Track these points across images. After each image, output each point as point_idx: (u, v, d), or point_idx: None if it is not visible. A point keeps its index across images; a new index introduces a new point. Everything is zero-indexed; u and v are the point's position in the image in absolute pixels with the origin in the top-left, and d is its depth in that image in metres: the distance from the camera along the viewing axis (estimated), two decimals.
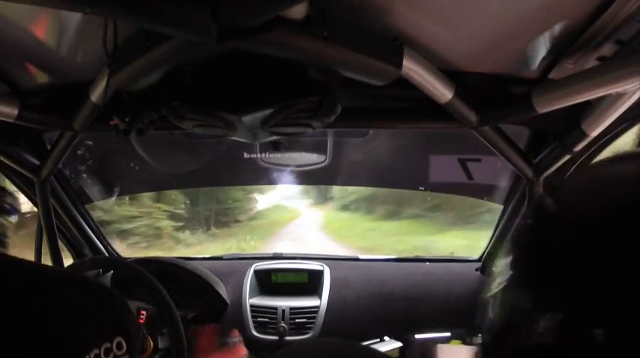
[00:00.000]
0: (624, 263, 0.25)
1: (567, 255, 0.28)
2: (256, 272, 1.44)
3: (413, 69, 0.70)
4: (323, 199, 6.37)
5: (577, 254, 0.28)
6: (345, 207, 6.35)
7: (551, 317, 0.27)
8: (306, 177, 1.67)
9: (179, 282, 1.32)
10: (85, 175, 1.44)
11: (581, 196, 0.30)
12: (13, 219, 0.66)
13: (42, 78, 0.85)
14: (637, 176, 0.29)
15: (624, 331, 0.24)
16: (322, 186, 5.20)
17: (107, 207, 1.91)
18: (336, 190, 5.69)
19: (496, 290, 0.33)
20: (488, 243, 1.43)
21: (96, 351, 0.41)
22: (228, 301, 1.35)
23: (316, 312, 1.32)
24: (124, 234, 3.54)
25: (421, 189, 1.55)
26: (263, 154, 1.34)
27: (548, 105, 0.73)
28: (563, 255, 0.28)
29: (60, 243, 1.33)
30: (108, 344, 0.42)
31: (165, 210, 4.37)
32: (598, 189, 0.30)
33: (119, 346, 0.43)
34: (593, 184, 0.31)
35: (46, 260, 1.25)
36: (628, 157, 0.33)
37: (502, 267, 0.33)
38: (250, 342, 1.29)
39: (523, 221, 0.34)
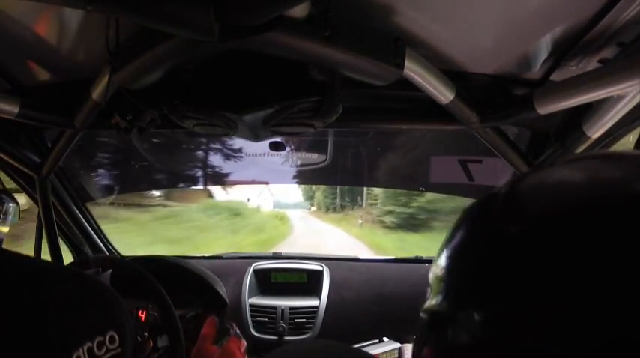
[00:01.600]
0: (554, 266, 0.25)
1: (498, 252, 0.28)
2: (256, 272, 1.44)
3: (414, 70, 0.70)
4: None
5: (508, 251, 0.28)
6: None
7: (469, 314, 0.28)
8: (307, 177, 1.67)
9: (178, 281, 1.32)
10: (85, 173, 1.44)
11: (527, 195, 0.30)
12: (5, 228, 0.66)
13: (43, 75, 0.85)
14: (583, 181, 0.29)
15: (538, 333, 0.24)
16: None
17: None
18: None
19: (431, 278, 0.35)
20: None
21: (89, 345, 0.41)
22: (227, 300, 1.35)
23: (315, 312, 1.32)
24: None
25: (421, 190, 1.55)
26: (263, 154, 1.35)
27: (549, 107, 0.73)
28: (494, 251, 0.29)
29: (60, 241, 1.33)
30: (101, 338, 0.42)
31: None
32: (545, 190, 0.30)
33: (112, 340, 0.43)
34: (543, 185, 0.31)
35: (46, 258, 1.25)
36: (582, 159, 0.33)
37: (440, 254, 0.34)
38: (249, 342, 1.29)
39: (471, 207, 0.34)
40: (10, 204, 1.04)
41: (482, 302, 0.28)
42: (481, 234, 0.31)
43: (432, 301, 0.33)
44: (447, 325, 0.30)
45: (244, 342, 0.82)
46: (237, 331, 0.85)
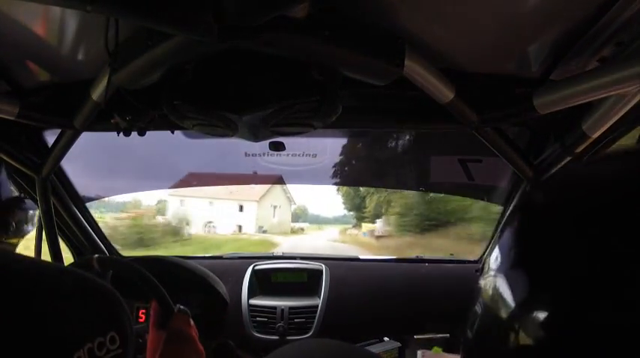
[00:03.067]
0: (609, 259, 0.25)
1: (552, 251, 0.28)
2: (256, 272, 1.44)
3: (414, 69, 0.70)
4: None
5: (562, 250, 0.28)
6: None
7: (537, 315, 0.27)
8: (306, 177, 1.67)
9: (178, 281, 1.32)
10: (86, 173, 1.44)
11: (568, 192, 0.31)
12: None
13: (43, 76, 0.85)
14: (622, 175, 0.29)
15: (610, 327, 0.24)
16: None
17: None
18: None
19: (484, 284, 0.34)
20: (488, 245, 1.44)
21: (89, 345, 0.41)
22: (227, 300, 1.35)
23: (315, 312, 1.32)
24: None
25: (421, 190, 1.55)
26: (263, 154, 1.35)
27: (549, 107, 0.73)
28: (548, 251, 0.29)
29: (60, 241, 1.33)
30: (101, 339, 0.42)
31: None
32: (585, 186, 0.30)
33: (112, 341, 0.43)
34: (581, 181, 0.31)
35: (46, 258, 1.25)
36: (617, 156, 0.33)
37: (490, 262, 0.33)
38: (249, 342, 1.29)
39: (511, 216, 0.34)
40: (31, 211, 0.93)
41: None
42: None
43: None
44: (513, 324, 0.29)
45: (189, 316, 0.82)
46: (181, 307, 0.86)
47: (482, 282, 0.35)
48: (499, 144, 0.93)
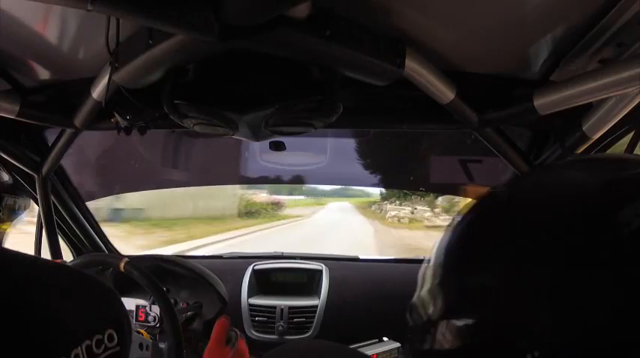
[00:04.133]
0: (552, 273, 0.25)
1: (492, 256, 0.28)
2: (255, 272, 1.44)
3: (415, 69, 0.70)
4: None
5: (502, 257, 0.27)
6: None
7: (464, 319, 0.27)
8: (306, 177, 1.67)
9: (177, 280, 1.32)
10: (86, 172, 1.45)
11: (524, 197, 0.30)
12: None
13: (43, 74, 0.85)
14: (577, 185, 0.29)
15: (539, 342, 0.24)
16: None
17: None
18: None
19: (421, 281, 0.34)
20: None
21: (87, 343, 0.41)
22: (227, 300, 1.35)
23: (315, 312, 1.32)
24: None
25: (421, 190, 1.55)
26: (263, 153, 1.35)
27: (549, 107, 0.73)
28: (488, 255, 0.28)
29: (60, 240, 1.34)
30: (99, 336, 0.42)
31: None
32: (543, 192, 0.30)
33: (110, 338, 0.43)
34: (541, 186, 0.31)
35: (46, 257, 1.25)
36: (579, 163, 0.33)
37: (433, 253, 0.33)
38: (249, 341, 1.29)
39: (468, 211, 0.33)
40: (22, 197, 0.90)
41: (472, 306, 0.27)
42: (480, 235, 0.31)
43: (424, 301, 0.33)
44: (435, 326, 0.29)
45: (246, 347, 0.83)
46: (239, 332, 0.86)
47: (419, 273, 0.35)
48: (499, 145, 0.93)
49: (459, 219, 0.33)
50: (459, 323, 0.27)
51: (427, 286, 0.32)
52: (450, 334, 0.28)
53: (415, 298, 0.34)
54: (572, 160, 0.34)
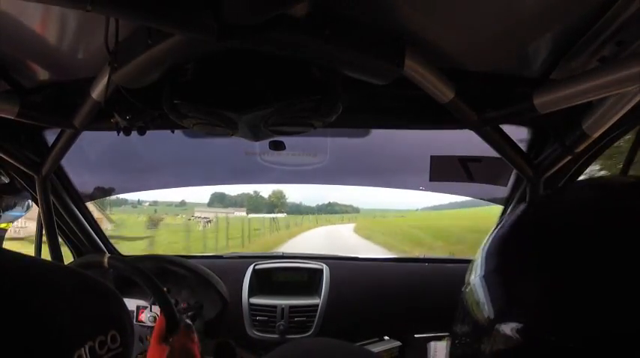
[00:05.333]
0: (592, 280, 0.27)
1: (530, 264, 0.30)
2: (256, 271, 1.44)
3: (414, 68, 0.70)
4: None
5: (540, 265, 0.29)
6: None
7: (514, 323, 0.29)
8: (306, 177, 1.67)
9: (179, 280, 1.32)
10: (86, 173, 1.44)
11: (566, 211, 0.33)
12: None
13: (43, 75, 0.85)
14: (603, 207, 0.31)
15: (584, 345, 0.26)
16: None
17: None
18: None
19: (467, 288, 0.35)
20: None
21: (90, 344, 0.41)
22: (228, 299, 1.36)
23: (315, 311, 1.33)
24: None
25: (421, 189, 1.55)
26: (263, 153, 1.35)
27: (549, 106, 0.73)
28: (526, 264, 0.30)
29: (60, 241, 1.34)
30: (102, 338, 0.42)
31: None
32: (586, 206, 0.32)
33: (113, 339, 0.43)
34: (583, 200, 0.33)
35: (46, 258, 1.25)
36: (619, 182, 0.36)
37: (474, 266, 0.34)
38: (249, 341, 1.30)
39: (500, 228, 0.35)
40: (20, 196, 0.85)
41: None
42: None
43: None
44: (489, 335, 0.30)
45: (194, 332, 0.82)
46: (187, 322, 0.85)
47: (465, 286, 0.36)
48: (499, 144, 0.93)
49: (505, 226, 0.35)
50: (511, 326, 0.29)
51: (480, 290, 0.33)
52: (502, 337, 0.29)
53: (466, 302, 0.35)
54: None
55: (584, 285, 0.27)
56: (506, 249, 0.33)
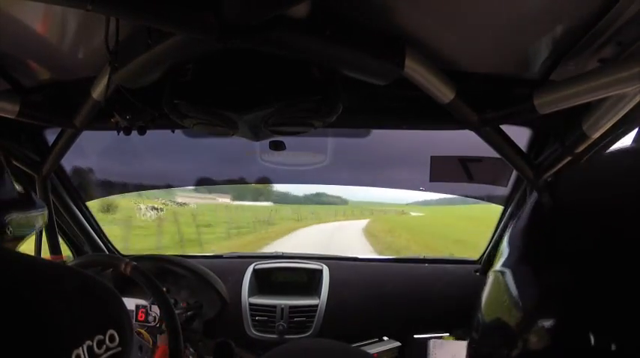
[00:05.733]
0: (623, 266, 0.24)
1: (564, 257, 0.27)
2: (256, 271, 1.44)
3: (415, 69, 0.70)
4: None
5: (574, 257, 0.27)
6: None
7: (547, 323, 0.26)
8: (306, 177, 1.68)
9: (178, 280, 1.32)
10: (86, 172, 1.45)
11: (577, 193, 0.30)
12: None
13: (43, 75, 0.85)
14: (629, 171, 0.28)
15: (625, 338, 0.23)
16: None
17: None
18: None
19: (490, 290, 0.33)
20: (488, 245, 1.44)
21: (89, 343, 0.41)
22: (227, 299, 1.36)
23: (315, 311, 1.33)
24: None
25: (421, 190, 1.55)
26: (263, 153, 1.34)
27: (549, 107, 0.73)
28: (560, 257, 0.27)
29: (60, 240, 1.34)
30: (101, 337, 0.42)
31: None
32: (594, 184, 0.29)
33: (112, 338, 0.43)
34: (589, 180, 0.30)
35: (46, 257, 1.25)
36: (620, 153, 0.33)
37: (498, 267, 0.32)
38: (249, 340, 1.30)
39: (520, 221, 0.33)
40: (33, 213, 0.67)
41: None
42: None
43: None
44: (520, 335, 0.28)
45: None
46: (191, 350, 0.86)
47: (487, 282, 0.33)
48: (499, 144, 0.93)
49: (524, 218, 0.32)
50: (543, 323, 0.27)
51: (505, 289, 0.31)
52: (534, 335, 0.27)
53: (490, 304, 0.33)
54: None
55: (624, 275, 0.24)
56: (533, 236, 0.31)
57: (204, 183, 1.85)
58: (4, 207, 0.53)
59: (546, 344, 0.26)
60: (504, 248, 0.32)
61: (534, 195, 0.33)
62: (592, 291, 0.25)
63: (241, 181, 1.76)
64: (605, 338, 0.23)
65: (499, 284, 0.31)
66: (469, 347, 0.35)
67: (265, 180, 1.72)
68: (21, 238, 0.58)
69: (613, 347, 0.23)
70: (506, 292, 0.30)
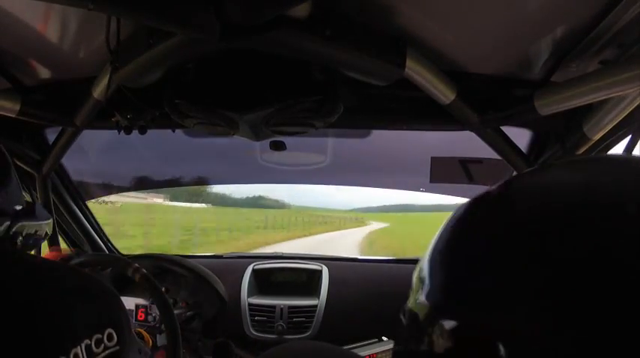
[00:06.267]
0: (532, 275, 0.24)
1: (478, 256, 0.27)
2: (255, 271, 1.44)
3: (416, 69, 0.70)
4: None
5: (489, 257, 0.27)
6: None
7: (449, 322, 0.27)
8: (306, 177, 1.68)
9: (177, 279, 1.32)
10: (86, 171, 1.45)
11: (517, 197, 0.30)
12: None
13: (44, 73, 0.85)
14: (579, 184, 0.28)
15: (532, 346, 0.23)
16: None
17: None
18: None
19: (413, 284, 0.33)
20: None
21: (87, 342, 0.41)
22: (226, 299, 1.36)
23: (314, 312, 1.33)
24: None
25: (422, 190, 1.55)
26: (264, 153, 1.35)
27: (550, 108, 0.73)
28: (474, 255, 0.28)
29: (60, 240, 1.34)
30: (99, 335, 0.42)
31: None
32: (536, 192, 0.29)
33: (110, 337, 0.43)
34: (535, 186, 0.30)
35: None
36: (576, 163, 0.33)
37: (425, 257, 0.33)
38: (248, 341, 1.29)
39: (459, 211, 0.32)
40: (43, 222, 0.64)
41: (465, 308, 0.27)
42: (470, 235, 0.30)
43: (412, 301, 0.32)
44: (426, 327, 0.28)
45: None
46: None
47: (413, 276, 0.34)
48: (500, 146, 0.93)
49: (453, 218, 0.32)
50: (448, 324, 0.27)
51: (421, 286, 0.32)
52: (440, 335, 0.27)
53: (410, 300, 0.33)
54: (568, 161, 0.33)
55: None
56: (452, 235, 0.31)
57: (200, 182, 1.84)
58: (14, 214, 0.53)
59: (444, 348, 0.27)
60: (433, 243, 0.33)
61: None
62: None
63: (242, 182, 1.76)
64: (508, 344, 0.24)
65: (415, 280, 0.33)
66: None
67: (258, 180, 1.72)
68: (30, 249, 0.57)
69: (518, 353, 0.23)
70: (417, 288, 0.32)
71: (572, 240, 0.24)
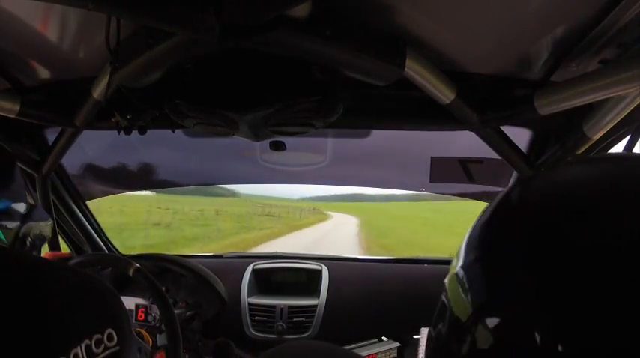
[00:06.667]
0: (573, 269, 0.24)
1: (518, 256, 0.28)
2: (255, 271, 1.44)
3: (415, 69, 0.70)
4: None
5: (528, 256, 0.27)
6: None
7: (492, 320, 0.27)
8: (306, 177, 1.67)
9: (177, 279, 1.32)
10: (86, 171, 1.44)
11: (542, 196, 0.30)
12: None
13: (44, 74, 0.85)
14: (593, 180, 0.29)
15: (569, 337, 0.23)
16: None
17: None
18: None
19: (446, 283, 0.33)
20: None
21: (87, 342, 0.41)
22: (226, 299, 1.36)
23: (314, 311, 1.33)
24: None
25: (421, 190, 1.55)
26: (263, 153, 1.35)
27: (550, 108, 0.73)
28: (513, 255, 0.28)
29: (60, 240, 1.34)
30: (99, 335, 0.42)
31: None
32: (558, 190, 0.29)
33: (110, 337, 0.43)
34: (555, 185, 0.30)
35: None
36: (592, 160, 0.33)
37: (456, 260, 0.33)
38: (248, 341, 1.30)
39: (482, 215, 0.32)
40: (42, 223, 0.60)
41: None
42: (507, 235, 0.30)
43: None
44: (468, 332, 0.28)
45: None
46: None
47: (445, 280, 0.34)
48: (500, 145, 0.93)
49: (481, 220, 0.32)
50: (490, 321, 0.27)
51: (458, 286, 0.31)
52: (482, 334, 0.27)
53: (444, 300, 0.33)
54: (573, 160, 0.34)
55: (582, 280, 0.24)
56: (488, 236, 0.31)
57: (202, 183, 1.84)
58: (22, 215, 0.53)
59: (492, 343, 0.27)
60: (463, 246, 0.32)
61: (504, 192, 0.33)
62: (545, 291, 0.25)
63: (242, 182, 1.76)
64: (551, 338, 0.24)
65: (452, 285, 0.32)
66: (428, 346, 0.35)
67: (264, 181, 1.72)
68: (38, 249, 0.58)
69: (559, 348, 0.23)
70: (456, 291, 0.31)
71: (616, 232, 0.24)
